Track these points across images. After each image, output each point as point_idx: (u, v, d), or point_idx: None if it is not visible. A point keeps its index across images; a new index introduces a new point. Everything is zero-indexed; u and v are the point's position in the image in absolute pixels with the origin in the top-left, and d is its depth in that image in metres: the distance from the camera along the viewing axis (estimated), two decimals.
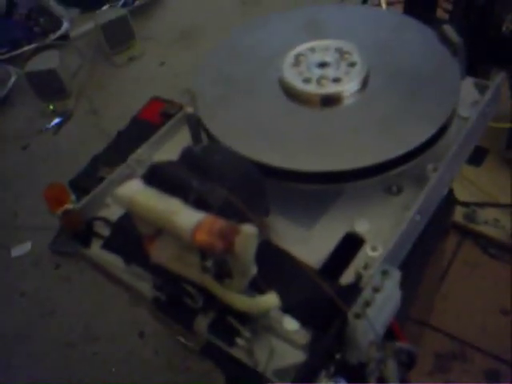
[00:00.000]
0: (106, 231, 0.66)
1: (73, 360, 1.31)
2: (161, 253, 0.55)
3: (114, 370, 1.26)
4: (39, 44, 2.25)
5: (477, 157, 1.29)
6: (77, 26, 2.39)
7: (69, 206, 0.62)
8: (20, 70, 2.09)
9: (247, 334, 0.53)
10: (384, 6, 1.30)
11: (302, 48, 0.74)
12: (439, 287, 1.08)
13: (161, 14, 2.45)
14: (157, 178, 0.53)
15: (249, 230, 0.46)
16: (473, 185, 1.23)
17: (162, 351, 1.27)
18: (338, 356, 0.52)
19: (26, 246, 1.60)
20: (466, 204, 1.19)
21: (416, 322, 1.00)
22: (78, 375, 1.27)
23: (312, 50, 0.73)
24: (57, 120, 2.02)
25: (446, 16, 1.29)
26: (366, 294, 0.52)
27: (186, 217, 0.48)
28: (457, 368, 0.99)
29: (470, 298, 1.08)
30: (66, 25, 2.35)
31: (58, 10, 2.43)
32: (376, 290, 0.52)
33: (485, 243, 1.17)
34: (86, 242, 0.66)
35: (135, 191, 0.51)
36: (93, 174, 0.73)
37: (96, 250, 0.65)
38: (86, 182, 0.72)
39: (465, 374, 0.98)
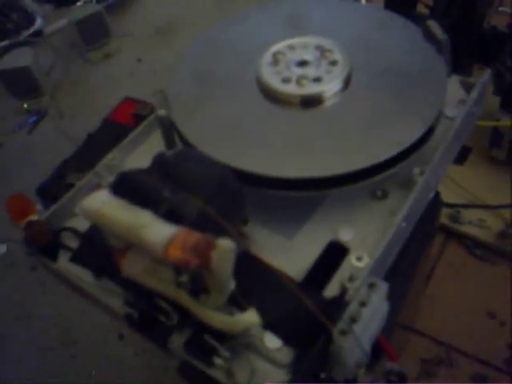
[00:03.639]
0: (74, 243, 0.63)
1: (51, 363, 1.30)
2: (132, 266, 0.51)
3: (93, 372, 1.25)
4: (12, 41, 2.22)
5: (460, 155, 1.27)
6: (51, 22, 2.36)
7: (33, 217, 0.58)
8: None
9: (226, 352, 0.50)
10: (364, 1, 1.28)
11: (280, 46, 0.71)
12: (424, 290, 1.07)
13: (137, 9, 2.43)
14: (126, 187, 0.50)
15: (226, 244, 0.44)
16: (455, 184, 1.22)
17: (141, 353, 1.25)
18: (323, 375, 0.49)
19: (2, 248, 1.58)
20: (449, 205, 1.18)
21: (401, 326, 0.98)
22: (56, 379, 1.26)
23: (291, 47, 0.70)
24: (31, 119, 1.99)
25: (427, 11, 1.28)
26: (352, 308, 0.49)
27: (157, 231, 0.45)
28: (443, 373, 0.98)
29: (456, 300, 1.07)
30: (39, 21, 2.31)
31: (32, 5, 2.39)
32: (362, 304, 0.50)
33: (470, 244, 1.16)
34: (53, 255, 0.62)
35: (102, 203, 0.48)
36: (61, 181, 0.69)
37: (64, 262, 0.62)
38: (54, 189, 0.68)
39: (451, 378, 0.97)
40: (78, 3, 2.37)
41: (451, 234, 1.18)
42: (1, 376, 1.30)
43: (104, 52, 2.20)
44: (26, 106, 2.03)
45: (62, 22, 2.31)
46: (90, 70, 2.17)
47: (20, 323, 1.40)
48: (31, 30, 2.29)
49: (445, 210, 1.16)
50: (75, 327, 1.35)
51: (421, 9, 1.31)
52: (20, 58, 1.99)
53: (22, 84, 1.99)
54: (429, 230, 0.77)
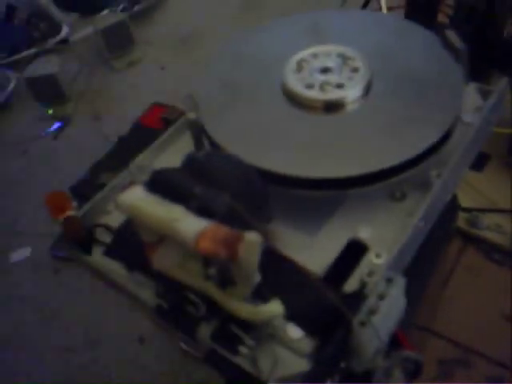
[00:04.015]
0: (107, 238, 0.65)
1: (73, 365, 1.30)
2: (163, 260, 0.54)
3: (113, 375, 1.26)
4: (39, 49, 2.25)
5: (478, 162, 1.28)
6: (76, 30, 2.39)
7: (70, 213, 0.61)
8: (20, 74, 2.09)
9: (251, 342, 0.52)
10: (385, 10, 1.30)
11: (304, 54, 0.73)
12: (442, 293, 1.08)
13: (161, 18, 2.45)
14: (159, 184, 0.52)
15: (252, 237, 0.46)
16: (474, 190, 1.23)
17: (162, 357, 1.26)
18: (343, 364, 0.52)
19: (26, 251, 1.60)
20: (467, 209, 1.19)
21: (419, 327, 0.99)
22: (77, 381, 1.27)
23: (314, 55, 0.73)
24: (56, 125, 2.02)
25: (447, 21, 1.29)
26: (371, 301, 0.51)
27: (189, 224, 0.48)
28: (460, 374, 0.98)
29: (473, 303, 1.07)
30: (65, 29, 2.35)
31: (58, 14, 2.43)
32: (381, 297, 0.52)
33: (487, 249, 1.16)
34: (88, 249, 0.65)
35: (137, 198, 0.51)
36: (94, 181, 0.72)
37: (97, 256, 0.65)
38: (87, 188, 0.71)
39: (467, 379, 0.98)
40: (103, 12, 2.40)
41: (469, 239, 1.18)
42: (23, 377, 1.31)
43: (128, 60, 2.23)
44: (51, 112, 2.06)
45: (87, 31, 2.34)
46: (114, 77, 2.19)
47: (43, 325, 1.40)
48: (57, 39, 2.32)
49: (463, 215, 1.17)
50: (98, 329, 1.36)
51: (441, 18, 1.32)
52: (46, 65, 2.02)
53: (48, 91, 2.02)
54: (446, 231, 0.78)
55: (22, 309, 1.46)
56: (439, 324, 1.04)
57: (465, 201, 1.19)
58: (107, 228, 0.66)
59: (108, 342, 1.32)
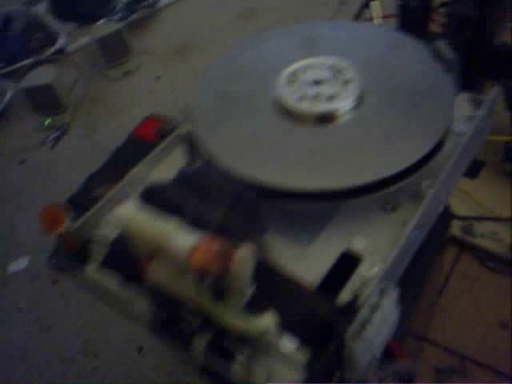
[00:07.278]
0: (102, 251, 0.65)
1: (72, 376, 1.30)
2: (158, 273, 0.54)
3: None
4: (35, 59, 2.26)
5: (472, 169, 1.29)
6: (73, 40, 2.40)
7: (63, 228, 0.61)
8: (16, 84, 2.10)
9: (245, 354, 0.53)
10: (377, 21, 1.30)
11: (296, 66, 0.74)
12: (438, 301, 1.08)
13: (157, 28, 2.46)
14: (153, 198, 0.53)
15: (245, 250, 0.46)
16: (469, 197, 1.23)
17: (161, 366, 1.26)
18: (336, 375, 0.52)
19: (24, 262, 1.60)
20: (462, 218, 1.19)
21: (415, 336, 1.00)
22: None
23: (307, 67, 0.73)
24: (53, 134, 2.02)
25: (440, 30, 1.29)
26: (364, 313, 0.52)
27: (182, 238, 0.48)
28: (456, 382, 0.99)
29: (469, 311, 1.07)
30: (62, 39, 2.36)
31: (55, 24, 2.44)
32: (374, 308, 0.52)
33: (483, 256, 1.17)
34: (83, 262, 0.65)
35: (131, 212, 0.51)
36: (90, 192, 0.72)
37: (92, 269, 0.65)
38: (83, 200, 0.72)
39: None
40: (100, 22, 2.41)
41: (464, 247, 1.18)
42: None
43: (124, 69, 2.24)
44: (48, 122, 2.06)
45: (83, 40, 2.36)
46: (110, 86, 2.20)
47: (42, 335, 1.40)
48: (54, 49, 2.33)
49: (458, 223, 1.17)
50: (96, 339, 1.36)
51: (435, 28, 1.33)
52: (42, 75, 2.03)
53: (45, 101, 2.03)
54: (439, 241, 0.78)
55: (20, 320, 1.46)
56: (435, 332, 1.04)
57: (459, 208, 1.20)
58: (102, 240, 0.66)
59: (107, 353, 1.32)
